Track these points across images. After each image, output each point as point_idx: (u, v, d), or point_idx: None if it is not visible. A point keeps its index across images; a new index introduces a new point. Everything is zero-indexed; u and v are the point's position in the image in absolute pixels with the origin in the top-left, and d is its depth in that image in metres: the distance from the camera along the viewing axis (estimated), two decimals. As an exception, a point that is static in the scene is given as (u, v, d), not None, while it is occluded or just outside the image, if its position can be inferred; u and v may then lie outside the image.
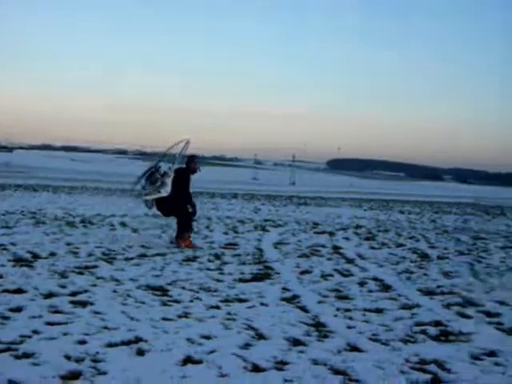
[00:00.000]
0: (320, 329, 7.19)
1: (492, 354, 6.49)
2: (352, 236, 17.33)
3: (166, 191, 12.34)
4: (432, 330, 7.26)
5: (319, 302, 8.55)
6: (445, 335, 7.13)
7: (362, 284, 9.98)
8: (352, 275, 10.82)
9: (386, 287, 9.84)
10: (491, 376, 5.78)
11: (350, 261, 12.46)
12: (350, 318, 7.70)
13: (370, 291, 9.47)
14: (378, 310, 8.18)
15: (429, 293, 9.51)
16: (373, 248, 14.84)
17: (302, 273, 10.81)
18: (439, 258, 13.60)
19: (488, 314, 8.30)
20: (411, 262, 12.77)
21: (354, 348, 6.48)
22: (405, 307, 8.45)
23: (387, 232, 19.09)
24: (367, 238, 16.85)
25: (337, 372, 5.71)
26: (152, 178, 12.41)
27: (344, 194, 62.13)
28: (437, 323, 7.61)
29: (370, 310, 8.16)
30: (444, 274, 11.29)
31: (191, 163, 12.89)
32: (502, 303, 9.02)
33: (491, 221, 28.32)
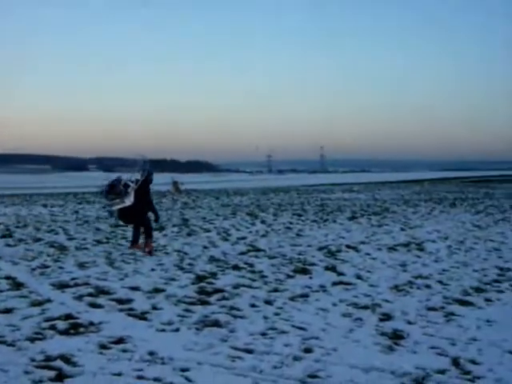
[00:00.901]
0: None
1: (121, 341, 6.57)
2: (-15, 235, 16.31)
3: (129, 201, 12.98)
4: (61, 325, 7.11)
5: None
6: (74, 328, 7.03)
7: (-9, 285, 9.40)
8: (-19, 277, 10.14)
9: (18, 285, 9.40)
10: (117, 363, 5.83)
11: (-22, 262, 11.67)
12: (-26, 323, 7.17)
13: (1, 291, 8.95)
14: (7, 310, 7.77)
15: (62, 286, 9.32)
16: (9, 245, 14.14)
17: None
18: (77, 249, 13.48)
19: (120, 301, 8.41)
20: (48, 256, 12.44)
21: (-24, 355, 6.03)
22: (35, 304, 8.15)
23: (26, 227, 18.38)
24: (4, 236, 16.00)
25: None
26: (115, 189, 13.02)
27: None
28: (67, 316, 7.48)
29: (-2, 312, 7.71)
30: (80, 266, 11.19)
31: (148, 175, 13.56)
32: (134, 289, 9.23)
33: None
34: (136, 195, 13.15)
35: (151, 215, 13.60)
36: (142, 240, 13.29)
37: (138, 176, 13.59)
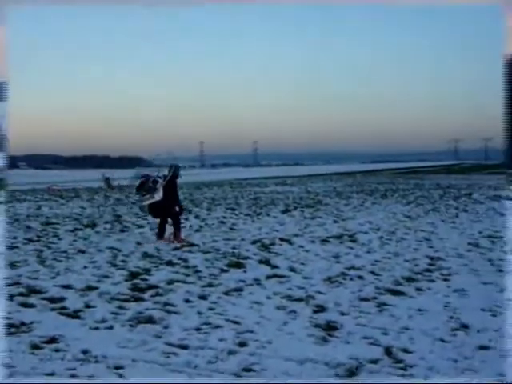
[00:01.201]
0: None
1: (53, 340, 6.47)
2: None
3: (159, 196, 13.98)
4: (-11, 325, 6.94)
5: None
6: (6, 328, 6.87)
7: None
8: None
9: None
10: (50, 363, 5.74)
11: None
12: None
13: None
14: None
15: (-8, 287, 9.10)
16: None
17: None
18: (7, 248, 13.15)
19: (52, 300, 8.27)
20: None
21: None
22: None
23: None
24: None
25: None
26: (145, 186, 14.07)
27: None
28: (-2, 317, 7.31)
29: None
30: (10, 265, 10.93)
31: (175, 171, 14.39)
32: (67, 287, 9.07)
33: (65, 204, 28.47)
34: (165, 190, 14.05)
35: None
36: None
37: (165, 172, 14.45)
